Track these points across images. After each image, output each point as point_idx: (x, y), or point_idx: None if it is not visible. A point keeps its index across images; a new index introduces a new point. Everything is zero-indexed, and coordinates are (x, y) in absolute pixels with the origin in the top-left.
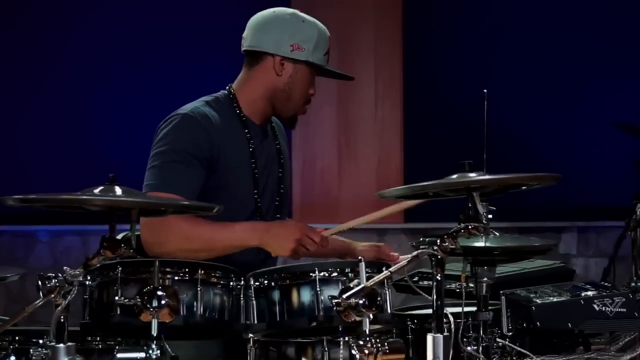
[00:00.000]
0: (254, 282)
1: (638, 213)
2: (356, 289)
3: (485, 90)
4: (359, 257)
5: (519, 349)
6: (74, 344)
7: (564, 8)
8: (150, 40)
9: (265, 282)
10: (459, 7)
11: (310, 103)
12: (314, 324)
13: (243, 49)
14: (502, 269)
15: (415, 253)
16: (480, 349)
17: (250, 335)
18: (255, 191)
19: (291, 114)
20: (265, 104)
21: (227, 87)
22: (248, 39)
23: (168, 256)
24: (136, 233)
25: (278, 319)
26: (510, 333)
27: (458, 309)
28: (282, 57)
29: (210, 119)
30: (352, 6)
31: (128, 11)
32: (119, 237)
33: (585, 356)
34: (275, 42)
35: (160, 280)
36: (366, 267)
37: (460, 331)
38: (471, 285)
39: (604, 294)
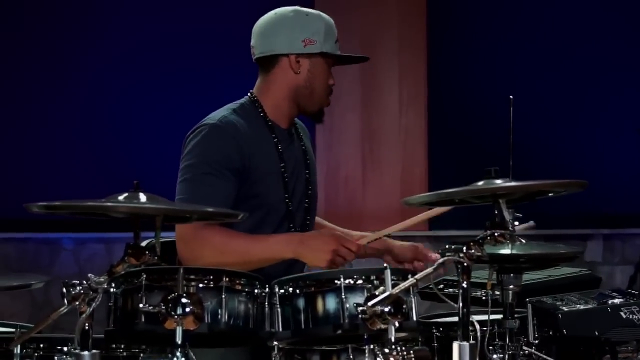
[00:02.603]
0: (279, 289)
1: None
2: (382, 296)
3: (511, 97)
4: (385, 265)
5: (545, 357)
6: (98, 351)
7: (589, 15)
8: (173, 46)
9: (290, 289)
10: (483, 14)
11: (332, 93)
12: (339, 331)
13: (255, 57)
14: (528, 277)
15: (441, 260)
16: (507, 357)
17: (275, 343)
18: (286, 195)
19: (317, 108)
20: (290, 105)
21: (249, 93)
22: (258, 47)
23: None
24: (161, 240)
25: (303, 327)
26: (537, 341)
27: (484, 317)
28: (296, 55)
29: (239, 128)
30: (376, 14)
31: (151, 18)
32: (144, 244)
33: None
34: (287, 42)
35: (185, 288)
36: (391, 274)
37: (486, 339)
38: (497, 292)
39: (631, 301)
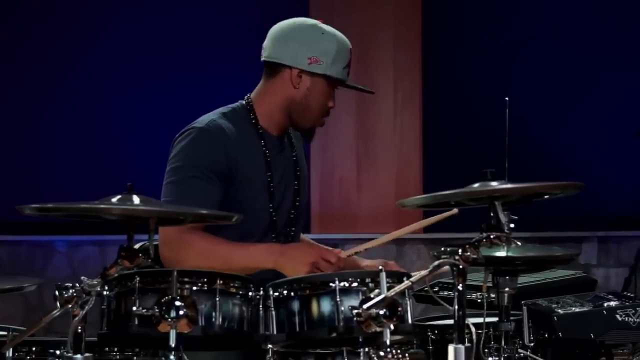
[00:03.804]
0: (274, 292)
1: None
2: (377, 299)
3: (507, 98)
4: (379, 267)
5: (540, 359)
6: (91, 354)
7: (585, 16)
8: (168, 49)
9: (285, 292)
10: (478, 15)
11: (328, 115)
12: (334, 334)
13: (262, 58)
14: (524, 279)
15: (436, 263)
16: (502, 359)
17: (270, 346)
18: (271, 205)
19: (308, 126)
20: (283, 116)
21: (246, 97)
22: (267, 50)
23: None
24: (154, 243)
25: (298, 330)
26: (532, 344)
27: (479, 320)
28: (299, 70)
29: (227, 132)
30: (371, 16)
31: (148, 21)
32: (137, 246)
33: None
34: (293, 55)
35: (179, 291)
36: (387, 277)
37: (482, 342)
38: (493, 295)
39: (627, 304)
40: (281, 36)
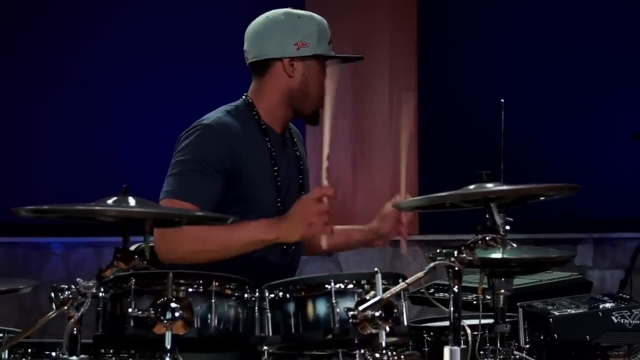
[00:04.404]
0: (269, 294)
1: None
2: (372, 300)
3: (502, 100)
4: (375, 269)
5: None
6: (87, 356)
7: (580, 17)
8: (165, 50)
9: (281, 294)
10: (474, 17)
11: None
12: (330, 336)
13: (248, 62)
14: (520, 281)
15: (432, 264)
16: None
17: (265, 347)
18: (278, 199)
19: (312, 111)
20: (285, 108)
21: (244, 96)
22: (251, 51)
23: (181, 261)
24: (150, 245)
25: (293, 332)
26: (528, 345)
27: (475, 321)
28: (290, 58)
29: (232, 130)
30: (367, 18)
31: (144, 21)
32: (133, 248)
33: None
34: (279, 46)
35: (174, 292)
36: (382, 278)
37: (477, 344)
38: (488, 297)
39: (622, 306)
40: (261, 33)
